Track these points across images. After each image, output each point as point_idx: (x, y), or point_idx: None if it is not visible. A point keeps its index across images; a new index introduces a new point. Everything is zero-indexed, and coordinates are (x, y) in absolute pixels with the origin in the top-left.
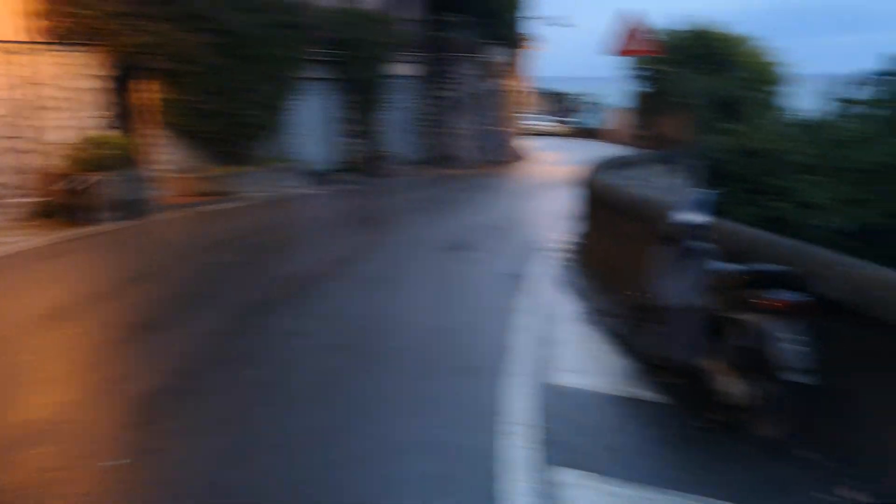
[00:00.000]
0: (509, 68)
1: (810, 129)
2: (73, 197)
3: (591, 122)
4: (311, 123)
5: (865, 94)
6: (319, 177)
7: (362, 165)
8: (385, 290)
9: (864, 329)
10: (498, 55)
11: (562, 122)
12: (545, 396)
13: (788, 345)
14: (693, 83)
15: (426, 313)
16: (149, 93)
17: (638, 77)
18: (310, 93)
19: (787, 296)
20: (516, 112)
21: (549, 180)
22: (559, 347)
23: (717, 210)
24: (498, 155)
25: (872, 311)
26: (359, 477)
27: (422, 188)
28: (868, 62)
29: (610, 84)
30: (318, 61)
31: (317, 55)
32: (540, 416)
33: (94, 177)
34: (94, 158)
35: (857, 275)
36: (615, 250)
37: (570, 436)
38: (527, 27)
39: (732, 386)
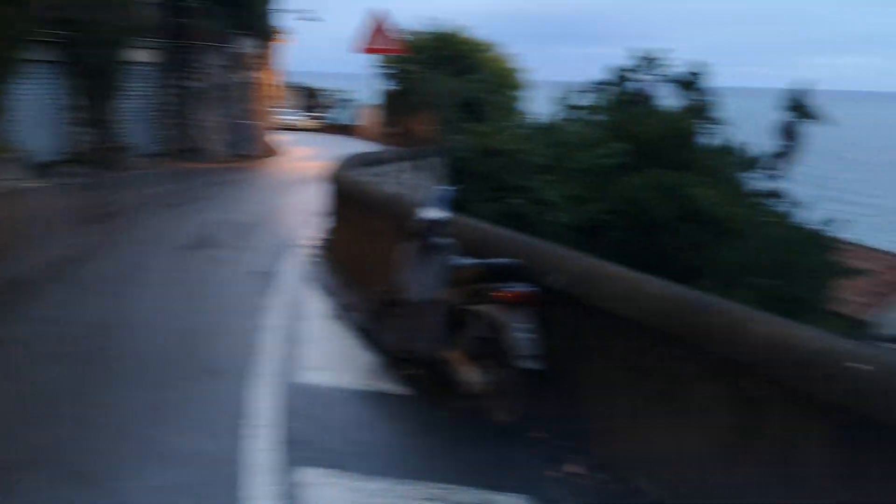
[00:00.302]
0: (260, 60)
1: (545, 132)
2: None
3: (343, 118)
4: (37, 110)
5: (587, 101)
6: (45, 169)
7: (96, 157)
8: (120, 293)
9: (582, 316)
10: (248, 46)
11: (314, 117)
12: (291, 396)
13: (520, 333)
14: (439, 84)
15: (168, 315)
16: None
17: (386, 75)
18: (35, 77)
19: (517, 287)
20: (267, 105)
21: (301, 176)
22: (307, 345)
23: (464, 206)
24: (248, 149)
25: (589, 299)
26: (88, 496)
27: (163, 182)
28: (595, 72)
29: (360, 81)
30: (46, 42)
31: (44, 36)
32: (285, 417)
33: None
34: None
35: (577, 266)
36: (363, 246)
37: (314, 434)
38: (278, 19)
39: (472, 375)
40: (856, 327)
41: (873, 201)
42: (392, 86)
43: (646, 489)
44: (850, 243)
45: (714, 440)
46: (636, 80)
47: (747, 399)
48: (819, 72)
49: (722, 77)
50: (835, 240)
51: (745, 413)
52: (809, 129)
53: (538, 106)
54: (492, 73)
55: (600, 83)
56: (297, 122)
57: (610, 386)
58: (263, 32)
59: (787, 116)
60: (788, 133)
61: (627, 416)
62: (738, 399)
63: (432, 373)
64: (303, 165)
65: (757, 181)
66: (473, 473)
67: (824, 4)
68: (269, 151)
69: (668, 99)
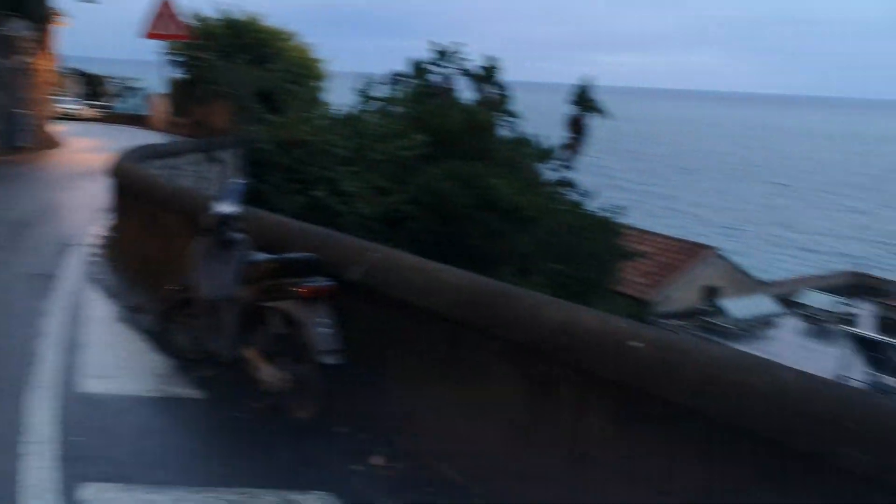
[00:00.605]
0: (35, 45)
1: (346, 123)
2: None
3: (129, 107)
4: None
5: (385, 92)
6: None
7: None
8: None
9: (382, 308)
10: (20, 29)
11: (98, 106)
12: (74, 407)
13: (318, 329)
14: (233, 73)
15: None
16: None
17: (176, 63)
18: None
19: (314, 282)
20: (45, 93)
21: (84, 169)
22: (91, 351)
23: (264, 199)
24: (22, 140)
25: (388, 291)
26: None
27: None
28: (395, 64)
29: (150, 68)
30: None
31: None
32: (67, 430)
33: None
34: None
35: (375, 258)
36: (152, 243)
37: (99, 447)
38: (54, 0)
39: (271, 373)
40: (640, 306)
41: (648, 189)
42: (183, 74)
43: (448, 476)
44: (631, 228)
45: (511, 423)
46: (435, 73)
47: (541, 382)
48: (601, 68)
49: (515, 72)
50: (619, 225)
51: (538, 395)
52: (594, 123)
53: (340, 97)
54: (291, 63)
55: (400, 75)
56: (79, 112)
57: (411, 376)
58: (38, 14)
59: (574, 110)
60: (576, 126)
61: (429, 405)
62: (532, 382)
63: (229, 373)
64: (86, 158)
65: (550, 171)
66: (275, 474)
67: (603, 3)
68: (48, 143)
69: (466, 92)
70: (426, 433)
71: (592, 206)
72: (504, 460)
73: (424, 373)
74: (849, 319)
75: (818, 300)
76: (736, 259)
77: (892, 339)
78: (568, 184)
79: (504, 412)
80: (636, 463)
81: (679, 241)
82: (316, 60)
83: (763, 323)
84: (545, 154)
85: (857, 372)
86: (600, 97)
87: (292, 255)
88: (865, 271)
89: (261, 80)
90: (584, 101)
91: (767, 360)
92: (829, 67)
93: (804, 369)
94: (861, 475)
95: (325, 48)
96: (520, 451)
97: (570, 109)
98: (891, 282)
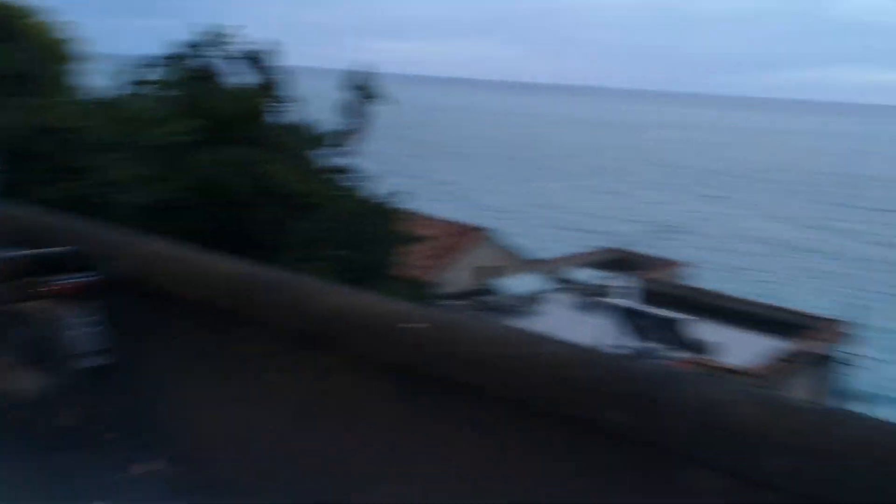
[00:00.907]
0: None
1: (108, 107)
2: None
3: None
4: None
5: (156, 75)
6: None
7: None
8: None
9: (152, 302)
10: None
11: None
12: None
13: (80, 329)
14: None
15: None
16: None
17: None
18: None
19: (74, 278)
20: None
21: None
22: None
23: (18, 191)
24: None
25: (157, 284)
26: None
27: None
28: (159, 46)
29: None
30: None
31: None
32: None
33: None
34: None
35: (143, 250)
36: None
37: None
38: None
39: (26, 381)
40: (421, 289)
41: (427, 174)
42: None
43: (227, 476)
44: (413, 213)
45: (289, 414)
46: (205, 56)
47: (319, 370)
48: (383, 55)
49: (293, 57)
50: (400, 211)
51: (318, 384)
52: (374, 110)
53: (98, 80)
54: (38, 43)
55: (167, 57)
56: None
57: (184, 373)
58: None
59: (353, 97)
60: (355, 112)
61: (205, 403)
62: (311, 371)
63: None
64: None
65: (328, 157)
66: (35, 490)
67: None
68: None
69: (239, 76)
70: (202, 433)
71: (373, 191)
72: (285, 455)
73: (200, 368)
74: (612, 292)
75: (585, 275)
76: (510, 239)
77: (650, 309)
78: (348, 170)
79: (284, 405)
80: (418, 442)
81: (457, 224)
82: (66, 41)
83: (536, 299)
84: (324, 140)
85: (620, 340)
86: (381, 84)
87: (50, 249)
88: (625, 247)
89: (5, 61)
90: (364, 87)
91: (537, 333)
92: (596, 58)
93: (574, 340)
94: (623, 435)
95: (84, 27)
96: (302, 444)
97: (349, 96)
98: (647, 256)
